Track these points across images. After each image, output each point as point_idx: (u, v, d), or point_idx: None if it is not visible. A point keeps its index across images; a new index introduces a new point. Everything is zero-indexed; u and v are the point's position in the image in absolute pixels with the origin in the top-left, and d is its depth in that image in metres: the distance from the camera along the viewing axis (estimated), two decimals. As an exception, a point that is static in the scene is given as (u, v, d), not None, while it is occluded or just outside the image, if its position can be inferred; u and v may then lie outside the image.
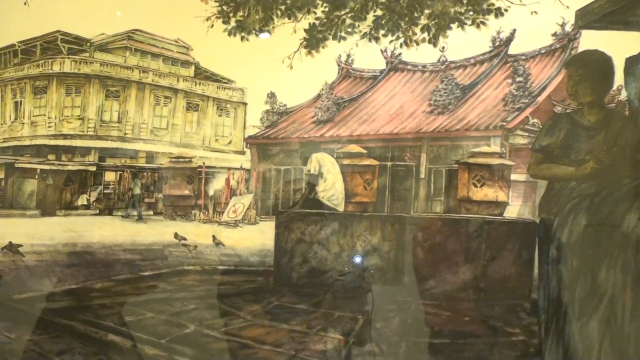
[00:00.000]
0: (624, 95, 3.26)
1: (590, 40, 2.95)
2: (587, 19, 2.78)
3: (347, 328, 3.03)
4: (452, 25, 3.04)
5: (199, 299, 3.48)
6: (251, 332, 3.34)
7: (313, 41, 3.14)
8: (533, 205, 3.99)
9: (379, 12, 2.99)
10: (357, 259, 3.07)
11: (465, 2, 3.00)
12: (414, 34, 3.09)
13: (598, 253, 2.71)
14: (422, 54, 3.42)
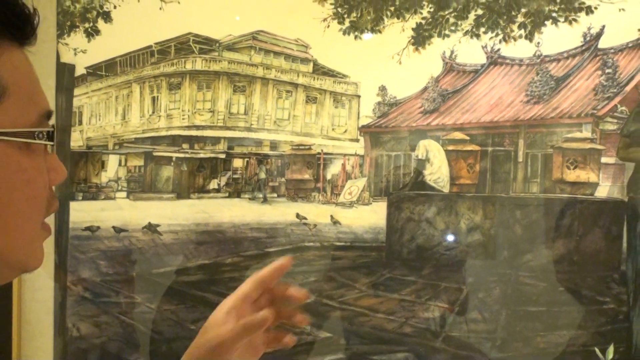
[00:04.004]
0: None
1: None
2: (671, 14, 2.77)
3: (453, 298, 3.05)
4: (546, 22, 3.00)
5: (318, 272, 3.53)
6: (366, 301, 3.37)
7: (420, 39, 3.13)
8: (622, 185, 3.91)
9: (480, 12, 2.97)
10: (459, 236, 3.10)
11: (558, 1, 2.96)
12: (512, 30, 3.06)
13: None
14: (519, 49, 3.38)
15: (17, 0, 0.97)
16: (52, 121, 1.05)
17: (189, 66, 3.03)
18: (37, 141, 0.96)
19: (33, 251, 1.03)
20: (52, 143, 0.99)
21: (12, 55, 0.96)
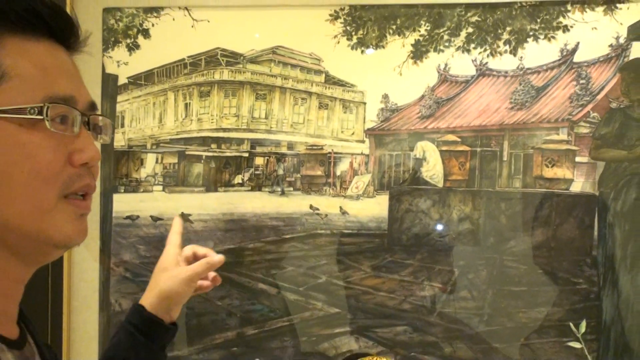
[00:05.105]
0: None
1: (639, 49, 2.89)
2: (636, 33, 2.74)
3: (445, 279, 3.02)
4: (528, 39, 2.97)
5: (328, 256, 3.49)
6: (370, 281, 3.33)
7: (418, 53, 3.09)
8: (593, 181, 3.80)
9: (470, 30, 2.93)
10: (451, 225, 3.07)
11: (539, 21, 2.93)
12: (498, 46, 3.03)
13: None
14: (504, 62, 3.32)
15: None
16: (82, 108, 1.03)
17: (217, 76, 3.05)
18: (29, 116, 0.93)
19: (53, 223, 0.99)
20: (41, 117, 0.95)
21: (18, 45, 0.95)
